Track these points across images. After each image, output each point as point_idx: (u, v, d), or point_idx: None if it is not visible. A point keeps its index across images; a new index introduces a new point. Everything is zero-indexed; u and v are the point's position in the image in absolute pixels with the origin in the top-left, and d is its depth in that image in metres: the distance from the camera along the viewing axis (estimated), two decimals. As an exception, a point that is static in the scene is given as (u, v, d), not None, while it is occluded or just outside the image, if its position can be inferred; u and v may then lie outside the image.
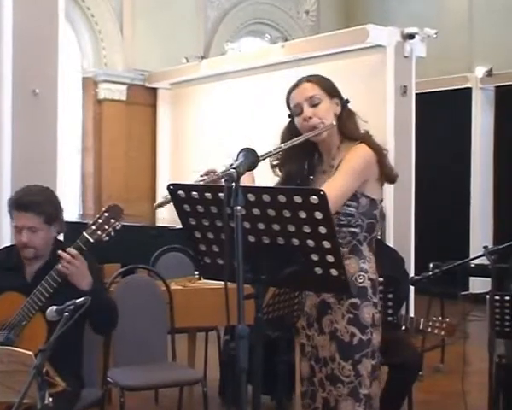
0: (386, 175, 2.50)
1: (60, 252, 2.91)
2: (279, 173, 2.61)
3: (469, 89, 10.04)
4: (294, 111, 2.54)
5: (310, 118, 2.48)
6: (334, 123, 2.48)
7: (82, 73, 10.03)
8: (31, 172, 4.79)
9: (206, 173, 2.47)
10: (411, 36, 7.30)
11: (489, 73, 9.87)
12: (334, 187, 2.34)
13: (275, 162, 2.59)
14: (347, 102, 2.57)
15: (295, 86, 2.57)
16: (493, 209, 10.05)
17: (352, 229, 2.44)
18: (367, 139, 2.49)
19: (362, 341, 2.42)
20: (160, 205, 2.37)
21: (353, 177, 2.40)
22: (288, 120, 2.61)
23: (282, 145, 2.45)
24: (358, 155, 2.44)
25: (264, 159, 2.34)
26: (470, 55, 10.34)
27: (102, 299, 3.03)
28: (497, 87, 10.05)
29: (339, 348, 2.43)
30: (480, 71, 9.92)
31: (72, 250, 2.89)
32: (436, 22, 8.94)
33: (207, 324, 4.79)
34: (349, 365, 2.41)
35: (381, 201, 2.53)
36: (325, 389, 2.48)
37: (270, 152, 2.40)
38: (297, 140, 2.45)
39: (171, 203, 2.08)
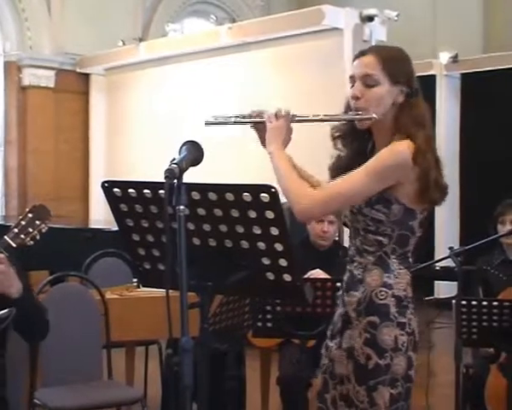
0: (425, 193, 2.32)
1: None
2: (340, 147, 2.49)
3: (433, 76, 10.20)
4: (349, 81, 2.41)
5: (357, 98, 2.36)
6: (375, 116, 2.33)
7: (3, 56, 9.87)
8: None
9: (258, 113, 2.42)
10: (370, 18, 7.40)
11: (454, 59, 10.05)
12: (345, 185, 2.29)
13: (337, 134, 2.48)
14: (416, 93, 2.39)
15: (360, 54, 2.41)
16: (459, 206, 10.25)
17: (380, 238, 2.35)
18: (416, 140, 2.30)
19: (379, 366, 2.33)
20: (211, 123, 2.39)
21: (376, 178, 2.28)
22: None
23: (321, 115, 2.38)
24: (390, 152, 2.29)
25: (300, 122, 2.36)
26: (434, 39, 10.52)
27: (33, 306, 2.99)
28: (462, 74, 10.24)
29: (354, 369, 2.37)
30: (444, 57, 10.09)
31: None
32: (397, 3, 9.07)
33: (147, 337, 4.76)
34: (363, 390, 2.34)
35: (423, 211, 2.38)
36: (337, 409, 2.43)
37: (308, 117, 2.37)
38: (333, 118, 2.41)
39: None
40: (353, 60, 2.43)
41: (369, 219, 2.35)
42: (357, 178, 2.29)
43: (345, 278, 2.47)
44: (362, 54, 2.41)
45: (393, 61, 2.39)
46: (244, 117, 2.42)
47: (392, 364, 2.34)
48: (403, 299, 2.38)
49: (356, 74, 2.38)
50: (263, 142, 2.45)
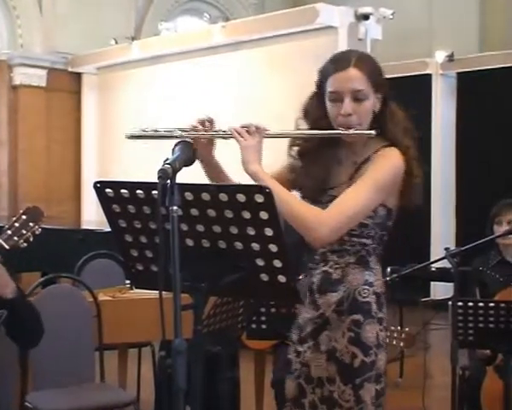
0: (406, 199, 2.40)
1: None
2: (295, 156, 2.47)
3: (429, 75, 10.22)
4: (330, 96, 2.36)
5: (349, 115, 2.34)
6: (374, 132, 2.34)
7: (-6, 55, 9.85)
8: None
9: (202, 123, 2.28)
10: (366, 16, 7.41)
11: (450, 58, 10.07)
12: (355, 205, 2.27)
13: (297, 142, 2.46)
14: (389, 97, 2.43)
15: (339, 68, 2.36)
16: (455, 207, 10.27)
17: (364, 240, 2.38)
18: (403, 149, 2.37)
19: (364, 363, 2.36)
20: (135, 136, 2.28)
21: (380, 191, 2.31)
22: (315, 91, 2.43)
23: (305, 131, 2.38)
24: (389, 164, 2.34)
25: (273, 137, 2.29)
26: (430, 38, 10.53)
27: (27, 307, 2.99)
28: (458, 73, 10.26)
29: (339, 370, 2.39)
30: (440, 56, 10.11)
31: None
32: (393, 2, 9.08)
33: (140, 339, 4.76)
34: (349, 389, 2.36)
35: (396, 211, 2.44)
36: None
37: (288, 134, 2.35)
38: (325, 134, 2.35)
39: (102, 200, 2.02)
40: (330, 71, 2.38)
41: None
42: (364, 196, 2.29)
43: (314, 279, 2.44)
44: (342, 67, 2.36)
45: (375, 72, 2.40)
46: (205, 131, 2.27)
47: (376, 360, 2.38)
48: (381, 295, 2.43)
49: (343, 90, 2.34)
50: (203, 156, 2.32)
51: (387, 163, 2.34)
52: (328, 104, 2.38)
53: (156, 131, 2.27)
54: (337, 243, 2.37)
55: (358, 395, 2.36)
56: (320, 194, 2.40)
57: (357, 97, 2.34)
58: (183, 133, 2.24)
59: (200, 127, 2.29)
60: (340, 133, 2.35)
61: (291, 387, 2.51)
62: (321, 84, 2.42)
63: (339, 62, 2.38)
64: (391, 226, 2.44)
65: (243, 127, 2.28)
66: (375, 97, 2.38)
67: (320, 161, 2.43)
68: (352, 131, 2.33)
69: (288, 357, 2.54)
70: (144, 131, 2.30)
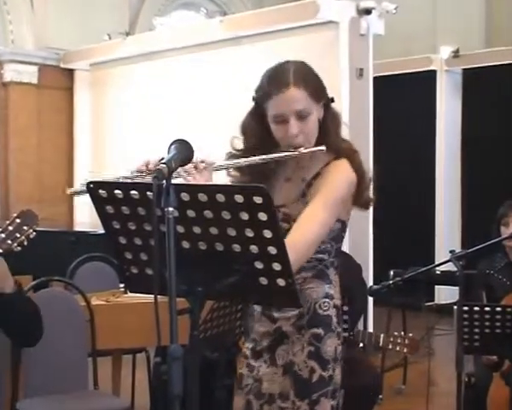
0: (362, 202, 2.44)
1: None
2: (233, 174, 2.50)
3: (434, 71, 10.22)
4: (274, 118, 2.37)
5: (296, 136, 2.35)
6: (324, 148, 2.34)
7: (-17, 51, 9.84)
8: None
9: (147, 164, 2.27)
10: (368, 11, 7.40)
11: (455, 54, 10.07)
12: (317, 223, 2.28)
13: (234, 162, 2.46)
14: (332, 100, 2.43)
15: (279, 90, 2.33)
16: (461, 208, 10.26)
17: (320, 255, 2.40)
18: (351, 156, 2.39)
19: (322, 378, 2.39)
20: (77, 192, 2.29)
21: (336, 209, 2.33)
22: (254, 109, 2.44)
23: (254, 158, 2.36)
24: (342, 179, 2.36)
25: (222, 169, 2.33)
26: (434, 33, 10.53)
27: (26, 304, 3.01)
28: (464, 70, 10.26)
29: (295, 384, 2.40)
30: (445, 51, 10.11)
31: None
32: (396, -4, 9.10)
33: (135, 344, 4.76)
34: (305, 405, 2.38)
35: (348, 219, 2.47)
36: None
37: (236, 163, 2.37)
38: (275, 158, 2.35)
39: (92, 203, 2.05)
40: (271, 93, 2.35)
41: None
42: (322, 217, 2.30)
43: None
44: (282, 89, 2.33)
45: (314, 82, 2.40)
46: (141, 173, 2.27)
47: (334, 375, 2.41)
48: (339, 308, 2.46)
49: (286, 112, 2.33)
50: None
51: (339, 178, 2.36)
52: (273, 126, 2.38)
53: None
54: None
55: None
56: None
57: (302, 115, 2.34)
58: (128, 179, 2.25)
59: (144, 168, 2.27)
60: (290, 155, 2.36)
61: (239, 403, 2.54)
62: (261, 104, 2.41)
63: (278, 83, 2.36)
64: (343, 237, 2.47)
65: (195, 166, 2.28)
66: (318, 107, 2.39)
67: (266, 178, 2.44)
68: (302, 151, 2.35)
69: (239, 372, 2.55)
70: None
